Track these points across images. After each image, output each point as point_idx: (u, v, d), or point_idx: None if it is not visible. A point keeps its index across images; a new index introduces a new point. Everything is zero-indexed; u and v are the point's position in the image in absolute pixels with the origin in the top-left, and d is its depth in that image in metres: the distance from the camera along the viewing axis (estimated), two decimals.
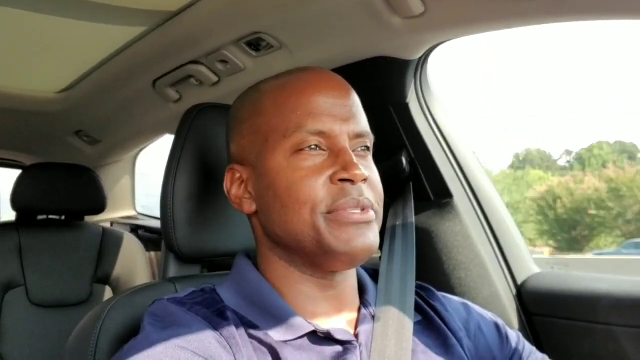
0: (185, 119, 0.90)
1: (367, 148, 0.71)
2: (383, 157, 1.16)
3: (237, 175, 0.72)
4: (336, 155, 0.66)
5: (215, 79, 1.33)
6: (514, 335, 0.82)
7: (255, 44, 1.17)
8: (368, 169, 0.68)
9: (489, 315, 0.83)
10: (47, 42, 1.28)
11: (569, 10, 0.82)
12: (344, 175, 0.65)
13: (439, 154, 1.13)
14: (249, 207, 0.72)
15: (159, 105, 1.54)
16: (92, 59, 1.40)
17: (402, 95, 1.11)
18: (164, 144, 2.00)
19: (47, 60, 1.42)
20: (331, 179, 0.65)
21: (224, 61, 1.25)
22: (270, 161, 0.68)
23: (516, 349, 0.80)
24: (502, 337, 0.80)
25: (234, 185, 0.73)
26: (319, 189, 0.65)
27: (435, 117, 1.14)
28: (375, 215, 0.67)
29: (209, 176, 0.87)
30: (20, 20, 1.14)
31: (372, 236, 0.67)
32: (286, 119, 0.68)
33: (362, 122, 0.70)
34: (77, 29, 1.19)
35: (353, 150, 0.68)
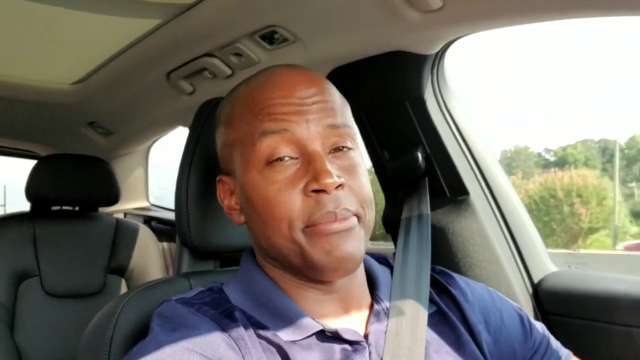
0: (200, 113, 0.89)
1: (347, 146, 0.66)
2: (399, 152, 1.15)
3: (226, 186, 0.72)
4: (308, 162, 0.63)
5: (229, 71, 1.32)
6: (539, 328, 0.79)
7: (270, 37, 1.15)
8: (346, 171, 0.65)
9: (513, 305, 0.80)
10: (63, 34, 1.28)
11: (593, 5, 0.80)
12: (315, 187, 0.62)
13: (455, 150, 1.11)
14: (238, 218, 0.71)
15: (173, 98, 1.54)
16: (107, 51, 1.40)
17: (419, 90, 1.09)
18: (178, 136, 2.01)
19: (62, 52, 1.42)
20: (304, 191, 0.63)
21: (238, 54, 1.24)
22: (246, 175, 0.66)
23: (541, 343, 0.78)
24: (526, 330, 0.78)
25: (226, 196, 0.72)
26: (294, 202, 0.63)
27: (452, 112, 1.12)
28: (357, 220, 0.64)
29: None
30: (37, 13, 1.14)
31: (354, 243, 0.64)
32: (251, 126, 0.66)
33: (337, 115, 0.66)
34: (93, 21, 1.18)
35: (330, 151, 0.65)
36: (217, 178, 0.73)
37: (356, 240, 0.64)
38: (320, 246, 0.62)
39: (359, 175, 0.66)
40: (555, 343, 0.79)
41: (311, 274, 0.65)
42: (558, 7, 0.84)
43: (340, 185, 0.63)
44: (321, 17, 1.04)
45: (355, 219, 0.64)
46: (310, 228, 0.62)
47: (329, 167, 0.62)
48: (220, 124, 0.72)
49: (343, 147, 0.66)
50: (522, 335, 0.77)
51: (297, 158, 0.64)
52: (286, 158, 0.64)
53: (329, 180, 0.61)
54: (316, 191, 0.62)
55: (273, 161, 0.64)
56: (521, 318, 0.79)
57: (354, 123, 0.71)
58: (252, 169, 0.65)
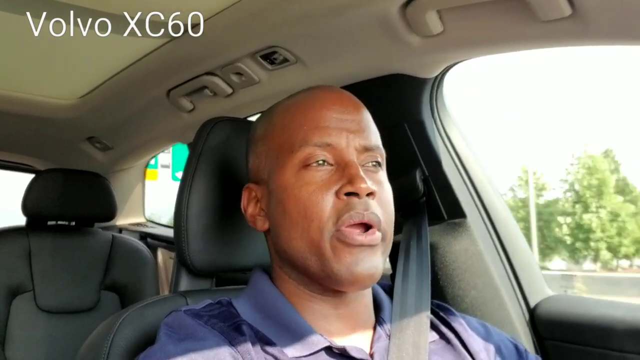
0: (201, 132, 0.89)
1: (378, 164, 0.70)
2: (397, 174, 1.15)
3: (253, 194, 0.73)
4: (343, 169, 0.66)
5: (229, 90, 1.33)
6: (533, 358, 0.80)
7: (271, 58, 1.17)
8: (377, 185, 0.67)
9: (508, 337, 0.81)
10: (68, 51, 1.28)
11: (594, 35, 0.81)
12: (349, 189, 0.64)
13: (453, 173, 1.12)
14: (262, 224, 0.72)
15: (173, 115, 1.55)
16: (110, 68, 1.40)
17: (418, 113, 1.10)
18: None
19: (65, 68, 1.43)
20: (337, 194, 0.65)
21: (239, 73, 1.25)
22: (279, 178, 0.68)
23: None
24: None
25: (250, 204, 0.74)
26: (326, 205, 0.65)
27: (450, 135, 1.13)
28: (381, 237, 0.66)
29: (223, 190, 0.86)
30: (42, 29, 1.15)
31: (374, 261, 0.65)
32: (293, 134, 0.68)
33: (372, 137, 0.70)
34: (97, 39, 1.19)
35: (362, 165, 0.68)
36: (245, 186, 0.75)
37: (377, 258, 0.66)
38: (343, 260, 0.64)
39: (386, 193, 0.69)
40: None
41: (327, 282, 0.66)
42: (562, 35, 0.84)
43: (371, 194, 0.65)
44: (323, 39, 1.06)
45: (379, 235, 0.66)
46: (338, 232, 0.64)
47: (363, 174, 0.65)
48: (257, 134, 0.75)
49: (376, 162, 0.70)
50: None
51: (332, 165, 0.67)
52: (325, 163, 0.67)
53: (362, 185, 0.64)
54: (348, 194, 0.64)
55: (309, 164, 0.66)
56: (517, 348, 0.80)
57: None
58: (287, 171, 0.67)
